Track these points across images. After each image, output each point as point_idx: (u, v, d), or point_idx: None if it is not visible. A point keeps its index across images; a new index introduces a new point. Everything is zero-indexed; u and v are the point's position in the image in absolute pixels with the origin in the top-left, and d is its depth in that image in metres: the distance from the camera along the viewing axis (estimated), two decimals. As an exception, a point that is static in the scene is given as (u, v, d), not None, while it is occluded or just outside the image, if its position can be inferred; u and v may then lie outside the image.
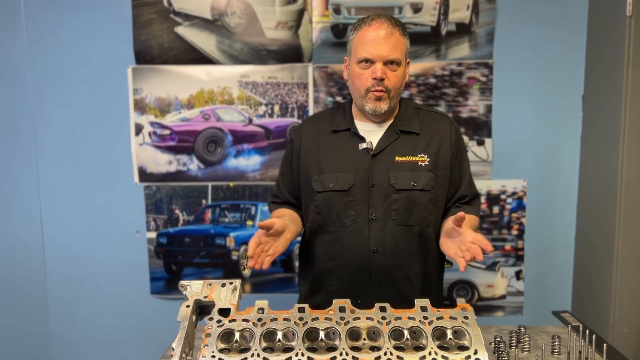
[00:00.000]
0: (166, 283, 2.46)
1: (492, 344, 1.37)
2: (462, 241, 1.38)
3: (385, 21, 1.50)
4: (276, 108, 2.36)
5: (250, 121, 2.37)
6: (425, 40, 2.30)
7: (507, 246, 2.41)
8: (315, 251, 1.66)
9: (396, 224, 1.57)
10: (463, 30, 2.30)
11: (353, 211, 1.57)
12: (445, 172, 1.61)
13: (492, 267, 2.42)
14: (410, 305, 1.25)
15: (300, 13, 2.30)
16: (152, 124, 2.38)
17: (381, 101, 1.53)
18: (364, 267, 1.58)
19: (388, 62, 1.50)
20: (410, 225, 1.58)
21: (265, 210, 2.38)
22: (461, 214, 1.36)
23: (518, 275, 2.43)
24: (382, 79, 1.50)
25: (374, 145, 1.58)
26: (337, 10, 2.29)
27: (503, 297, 2.44)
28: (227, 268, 2.44)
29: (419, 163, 1.58)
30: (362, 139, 1.60)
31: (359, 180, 1.57)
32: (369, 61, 1.51)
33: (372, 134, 1.61)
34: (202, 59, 2.33)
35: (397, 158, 1.57)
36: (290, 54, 2.32)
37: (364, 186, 1.57)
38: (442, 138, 1.62)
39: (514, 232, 2.40)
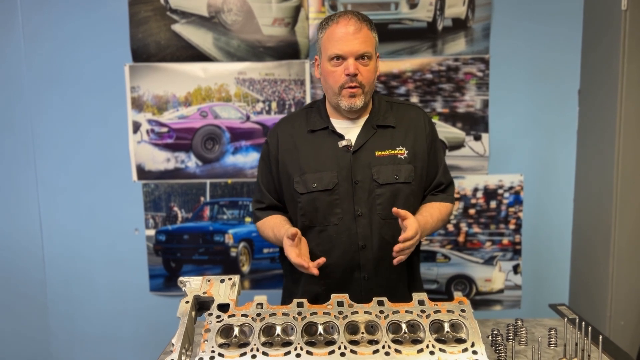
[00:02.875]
0: (165, 280, 2.47)
1: (490, 337, 1.38)
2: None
3: (352, 17, 1.51)
4: (273, 105, 2.37)
5: (248, 118, 2.38)
6: (422, 35, 2.30)
7: (505, 240, 2.42)
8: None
9: (381, 217, 1.58)
10: (459, 25, 2.30)
11: (339, 209, 1.58)
12: (423, 164, 1.63)
13: (489, 261, 2.43)
14: (399, 298, 1.26)
15: (297, 10, 2.30)
16: (149, 121, 2.38)
17: (356, 97, 1.54)
18: (353, 264, 1.59)
19: (359, 57, 1.51)
20: (395, 218, 1.57)
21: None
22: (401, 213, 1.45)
23: (515, 269, 2.44)
24: (355, 75, 1.50)
25: (353, 142, 1.59)
26: (333, 7, 2.29)
27: (501, 291, 2.45)
28: (226, 264, 2.45)
29: (399, 156, 1.60)
30: (341, 137, 1.60)
31: (342, 178, 1.57)
32: (340, 58, 1.51)
33: (349, 130, 1.61)
34: (199, 56, 2.33)
35: (377, 153, 1.59)
36: (287, 50, 2.32)
37: (347, 183, 1.57)
38: (417, 130, 1.64)
39: (511, 227, 2.41)
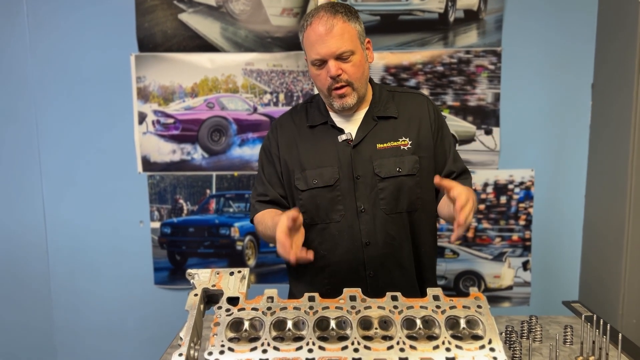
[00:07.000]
0: (170, 273, 2.45)
1: (503, 334, 1.35)
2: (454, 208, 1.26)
3: (324, 15, 1.45)
4: (281, 96, 2.33)
5: (255, 110, 2.35)
6: (433, 27, 2.26)
7: (515, 236, 2.39)
8: None
9: (385, 212, 1.53)
10: (471, 17, 2.26)
11: (341, 206, 1.54)
12: (428, 153, 1.57)
13: (499, 257, 2.40)
14: (408, 296, 1.23)
15: (306, 0, 2.26)
16: (155, 112, 2.35)
17: (346, 97, 1.49)
18: (357, 261, 1.55)
19: (339, 56, 1.45)
20: (399, 212, 1.54)
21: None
22: (445, 183, 1.28)
23: (525, 265, 2.41)
24: (338, 75, 1.45)
25: (353, 135, 1.54)
26: (343, -3, 2.26)
27: (510, 287, 2.42)
28: (232, 258, 2.42)
29: (402, 147, 1.54)
30: (341, 131, 1.56)
31: (344, 174, 1.53)
32: (321, 61, 1.46)
33: (349, 124, 1.56)
34: (206, 46, 2.30)
35: (379, 145, 1.54)
36: (296, 41, 2.28)
37: (348, 179, 1.53)
38: (421, 118, 1.58)
39: (522, 223, 2.38)
